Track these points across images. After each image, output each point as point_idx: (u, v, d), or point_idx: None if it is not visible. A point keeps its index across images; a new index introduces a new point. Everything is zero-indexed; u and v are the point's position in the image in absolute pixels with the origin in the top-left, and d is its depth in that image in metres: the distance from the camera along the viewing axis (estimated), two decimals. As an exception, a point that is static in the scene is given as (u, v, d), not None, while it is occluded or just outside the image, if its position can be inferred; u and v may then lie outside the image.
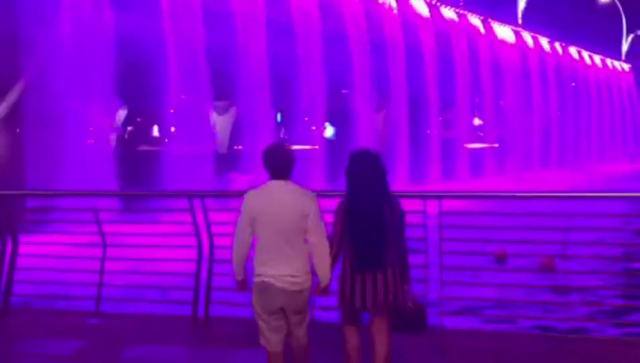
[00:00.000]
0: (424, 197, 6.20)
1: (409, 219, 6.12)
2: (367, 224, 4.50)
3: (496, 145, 38.36)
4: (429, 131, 32.95)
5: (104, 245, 7.11)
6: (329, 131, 29.75)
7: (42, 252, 7.25)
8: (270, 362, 4.60)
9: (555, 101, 43.95)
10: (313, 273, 4.55)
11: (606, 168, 41.49)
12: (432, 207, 6.15)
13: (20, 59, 17.04)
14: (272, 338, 4.56)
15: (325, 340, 5.52)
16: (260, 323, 4.56)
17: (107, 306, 7.05)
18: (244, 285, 4.65)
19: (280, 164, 4.50)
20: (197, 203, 6.77)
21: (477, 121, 38.57)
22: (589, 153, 46.87)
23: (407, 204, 6.17)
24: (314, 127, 26.77)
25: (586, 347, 5.98)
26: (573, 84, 46.94)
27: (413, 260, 6.22)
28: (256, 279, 4.52)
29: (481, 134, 38.32)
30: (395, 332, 4.66)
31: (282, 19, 23.87)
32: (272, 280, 4.43)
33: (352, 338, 4.67)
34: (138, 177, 19.19)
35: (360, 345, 4.67)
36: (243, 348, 5.98)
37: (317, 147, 26.29)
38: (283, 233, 4.42)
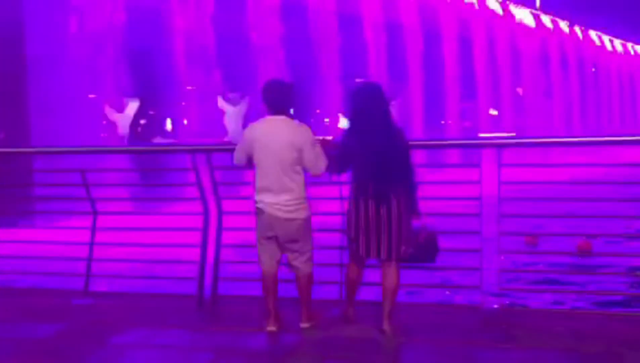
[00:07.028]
0: (480, 146, 5.08)
1: (461, 175, 5.14)
2: (373, 156, 4.44)
3: (513, 134, 37.19)
4: (442, 122, 31.96)
5: (94, 213, 6.07)
6: (343, 122, 29.04)
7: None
8: (262, 279, 4.88)
9: (576, 87, 42.66)
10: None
11: (628, 154, 40.01)
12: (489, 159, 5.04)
13: (27, 53, 16.20)
14: (265, 261, 4.84)
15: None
16: (258, 246, 4.83)
17: (98, 284, 6.01)
18: None
19: (276, 99, 4.66)
20: (201, 160, 5.71)
21: (492, 111, 37.45)
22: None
23: (458, 157, 5.13)
24: (327, 120, 25.95)
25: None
26: (593, 69, 45.56)
27: (464, 225, 5.21)
28: (256, 205, 4.75)
29: (497, 121, 37.17)
30: (410, 262, 4.62)
31: (294, 7, 23.05)
32: (266, 207, 4.67)
33: (352, 273, 4.85)
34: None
35: (359, 280, 4.86)
36: (255, 332, 4.96)
37: (331, 138, 25.56)
38: (278, 163, 4.61)
